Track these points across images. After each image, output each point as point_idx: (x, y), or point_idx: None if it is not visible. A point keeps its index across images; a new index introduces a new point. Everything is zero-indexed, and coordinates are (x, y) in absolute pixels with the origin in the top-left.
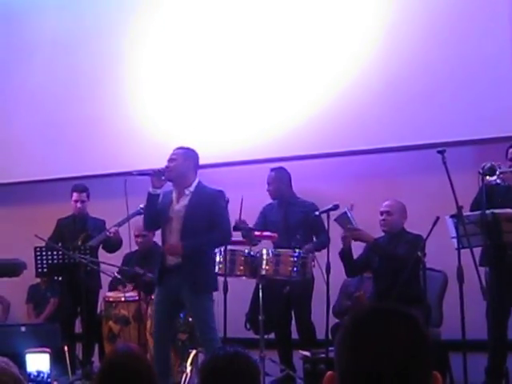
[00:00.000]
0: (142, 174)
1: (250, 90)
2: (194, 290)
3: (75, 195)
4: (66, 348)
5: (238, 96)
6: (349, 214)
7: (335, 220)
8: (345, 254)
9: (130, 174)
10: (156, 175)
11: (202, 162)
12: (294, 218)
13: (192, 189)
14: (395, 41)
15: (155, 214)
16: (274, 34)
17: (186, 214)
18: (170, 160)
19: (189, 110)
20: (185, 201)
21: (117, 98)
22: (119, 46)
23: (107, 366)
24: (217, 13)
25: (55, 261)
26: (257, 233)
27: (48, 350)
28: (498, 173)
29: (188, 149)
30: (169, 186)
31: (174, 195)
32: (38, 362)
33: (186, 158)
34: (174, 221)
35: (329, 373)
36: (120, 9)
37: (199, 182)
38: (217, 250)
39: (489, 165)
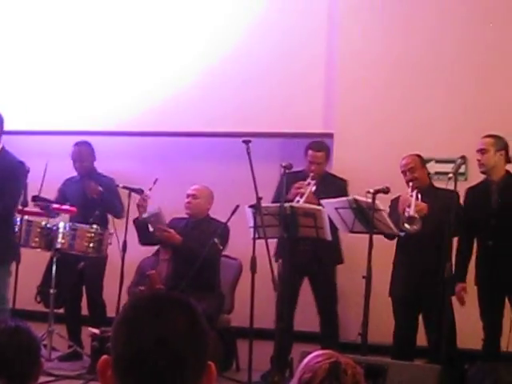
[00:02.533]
0: None
1: (72, 60)
2: None
3: None
4: None
5: (60, 67)
6: (160, 214)
7: (145, 219)
8: (139, 223)
9: None
10: None
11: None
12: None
13: None
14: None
15: None
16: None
17: None
18: None
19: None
20: None
21: None
22: None
23: None
24: None
25: None
26: (55, 205)
27: None
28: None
29: None
30: None
31: None
32: None
33: None
34: None
35: (104, 357)
36: None
37: (3, 149)
38: (15, 220)
39: (285, 164)
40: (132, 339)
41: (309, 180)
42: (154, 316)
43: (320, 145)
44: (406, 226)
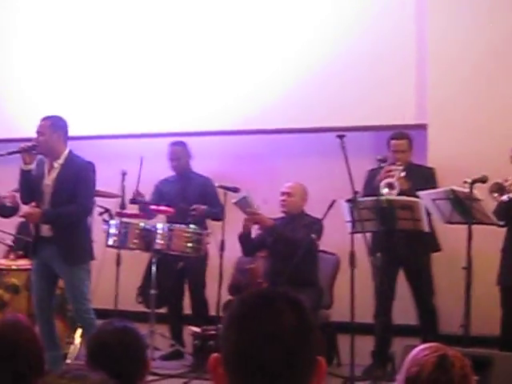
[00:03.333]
0: (11, 153)
1: (150, 62)
2: (67, 261)
3: None
4: None
5: (139, 70)
6: (248, 198)
7: (235, 203)
8: (244, 239)
9: (1, 155)
10: (25, 152)
11: (96, 132)
12: (191, 192)
13: (61, 161)
14: (295, 25)
15: (30, 189)
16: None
17: (54, 189)
18: (38, 133)
19: (82, 81)
20: (54, 174)
21: (13, 65)
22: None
23: None
24: None
25: None
26: (153, 207)
27: None
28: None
29: (55, 118)
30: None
31: (46, 167)
32: None
33: (53, 129)
34: (45, 194)
35: (214, 355)
36: None
37: (70, 153)
38: (113, 222)
39: (380, 157)
40: (242, 337)
41: (397, 165)
42: (264, 313)
43: (401, 134)
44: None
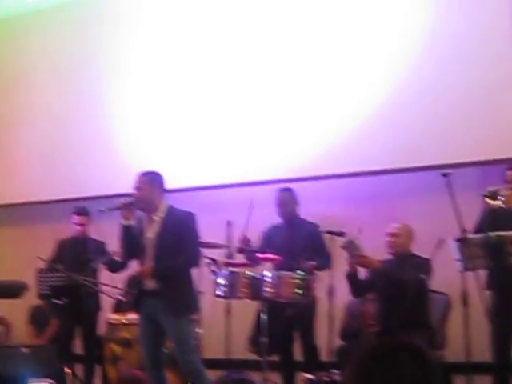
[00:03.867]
0: (112, 209)
1: (251, 111)
2: (172, 313)
3: (76, 218)
4: (67, 370)
5: (239, 118)
6: (355, 241)
7: (342, 247)
8: (351, 278)
9: (102, 211)
10: (125, 208)
11: (198, 183)
12: (299, 239)
13: (162, 214)
14: (399, 62)
15: (131, 245)
16: (274, 52)
17: (158, 242)
18: (137, 189)
19: (187, 133)
20: (155, 227)
21: (112, 121)
22: (108, 70)
23: None
24: (207, 32)
25: (57, 282)
26: (260, 255)
27: (51, 381)
28: (499, 197)
29: (152, 173)
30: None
31: (145, 221)
32: None
33: (151, 184)
34: (147, 248)
35: None
36: (109, 34)
37: (170, 206)
38: (221, 272)
39: (491, 189)
40: None
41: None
42: (386, 363)
43: None
44: None
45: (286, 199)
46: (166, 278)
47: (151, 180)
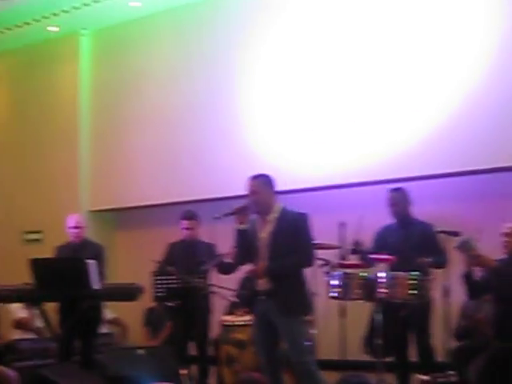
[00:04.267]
0: (227, 214)
1: (362, 113)
2: (285, 313)
3: (184, 223)
4: (183, 371)
5: (354, 116)
6: (470, 241)
7: (457, 247)
8: (467, 278)
9: (217, 218)
10: (240, 212)
11: (311, 185)
12: (413, 239)
13: (276, 214)
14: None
15: (246, 248)
16: (386, 54)
17: (271, 241)
18: (252, 193)
19: (300, 133)
20: (269, 228)
21: (227, 124)
22: (232, 72)
23: None
24: (328, 37)
25: (172, 285)
26: (374, 256)
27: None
28: None
29: (264, 176)
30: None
31: (258, 223)
32: None
33: (265, 186)
34: (261, 248)
35: None
36: (233, 35)
37: (283, 207)
38: (334, 274)
39: None
40: None
41: None
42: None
43: None
44: None
45: (398, 199)
46: (279, 276)
47: (265, 183)
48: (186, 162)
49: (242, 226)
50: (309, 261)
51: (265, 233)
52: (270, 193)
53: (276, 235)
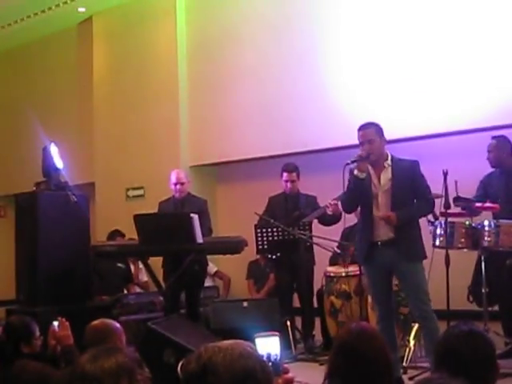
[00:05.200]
0: (354, 161)
1: (469, 58)
2: (411, 259)
3: (285, 175)
4: (287, 322)
5: (458, 65)
6: None
7: None
8: None
9: (347, 164)
10: (363, 160)
11: (414, 133)
12: None
13: (389, 162)
14: None
15: (359, 197)
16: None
17: (393, 187)
18: (369, 142)
19: (401, 83)
20: (387, 174)
21: (321, 77)
22: (325, 27)
23: (340, 346)
24: None
25: (275, 237)
26: (477, 204)
27: (277, 333)
28: None
29: (374, 124)
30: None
31: (372, 171)
32: (267, 345)
33: (379, 134)
34: (379, 197)
35: None
36: None
37: (393, 155)
38: (437, 223)
39: None
40: None
41: None
42: None
43: None
44: None
45: (500, 146)
46: (406, 223)
47: (377, 131)
48: (285, 115)
49: (362, 174)
50: (432, 207)
51: (384, 180)
52: (383, 141)
53: (396, 183)
